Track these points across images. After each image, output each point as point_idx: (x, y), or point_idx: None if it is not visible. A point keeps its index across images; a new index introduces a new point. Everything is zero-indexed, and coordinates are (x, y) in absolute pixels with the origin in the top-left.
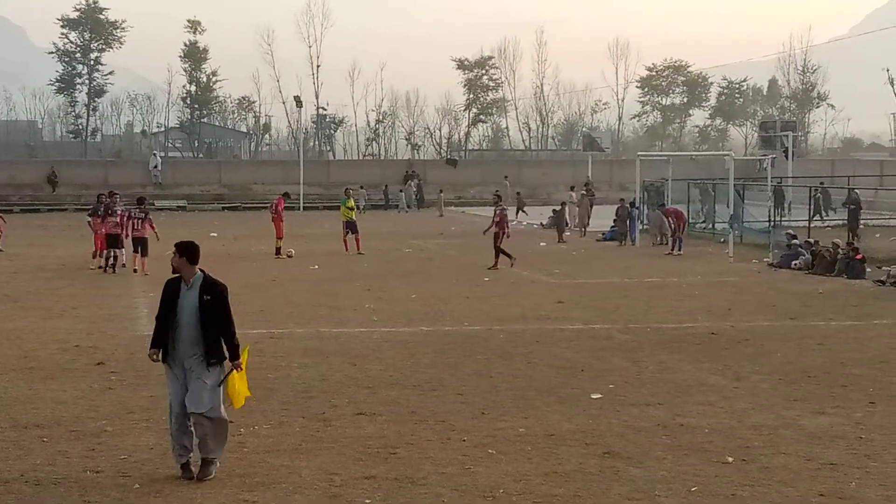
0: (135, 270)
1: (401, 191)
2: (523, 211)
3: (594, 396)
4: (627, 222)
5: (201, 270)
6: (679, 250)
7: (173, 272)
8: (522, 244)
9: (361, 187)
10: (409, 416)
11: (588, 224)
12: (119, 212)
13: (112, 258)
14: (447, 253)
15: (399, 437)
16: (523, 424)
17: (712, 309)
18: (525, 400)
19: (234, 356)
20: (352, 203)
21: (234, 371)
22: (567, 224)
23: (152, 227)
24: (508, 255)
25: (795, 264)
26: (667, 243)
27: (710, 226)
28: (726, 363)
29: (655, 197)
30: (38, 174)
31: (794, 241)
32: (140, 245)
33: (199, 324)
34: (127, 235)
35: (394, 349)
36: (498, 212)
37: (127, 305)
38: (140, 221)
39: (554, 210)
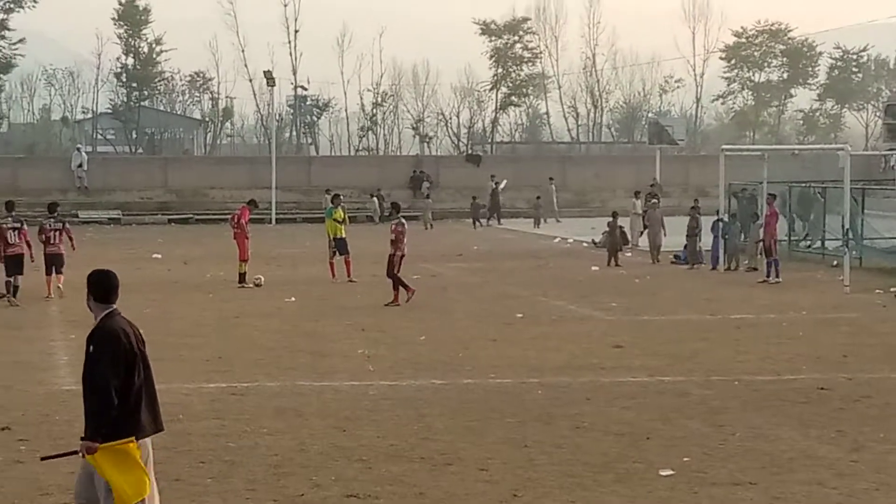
0: (49, 297)
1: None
2: (545, 220)
3: (664, 473)
4: (699, 238)
5: (109, 314)
6: (777, 277)
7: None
8: (567, 269)
9: (373, 195)
10: (416, 500)
11: (661, 244)
12: (15, 227)
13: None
14: (468, 280)
15: None
16: None
17: (822, 356)
18: (571, 478)
19: (86, 433)
20: (341, 214)
21: (87, 454)
22: (629, 242)
23: (70, 238)
24: (405, 286)
25: None
26: (754, 267)
27: (819, 244)
28: (840, 428)
29: (748, 206)
30: None
31: None
32: (55, 263)
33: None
34: (32, 258)
35: (396, 409)
36: (393, 227)
37: (42, 351)
38: (57, 234)
39: (610, 223)
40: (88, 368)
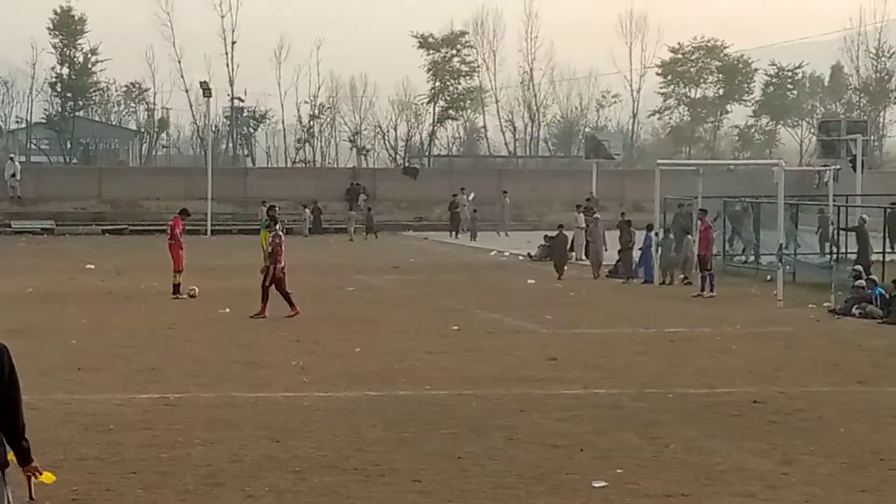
0: None
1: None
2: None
3: (597, 485)
4: (635, 252)
5: None
6: (711, 291)
7: None
8: (504, 282)
9: (306, 206)
10: None
11: (602, 260)
12: None
13: None
14: (404, 293)
15: None
16: None
17: (755, 369)
18: (504, 489)
19: (28, 457)
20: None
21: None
22: (573, 256)
23: None
24: (264, 301)
25: (861, 311)
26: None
27: (753, 259)
28: (773, 441)
29: (683, 221)
30: None
31: (862, 279)
32: None
33: None
34: None
35: (330, 420)
36: (270, 239)
37: None
38: None
39: (547, 236)
40: (15, 387)
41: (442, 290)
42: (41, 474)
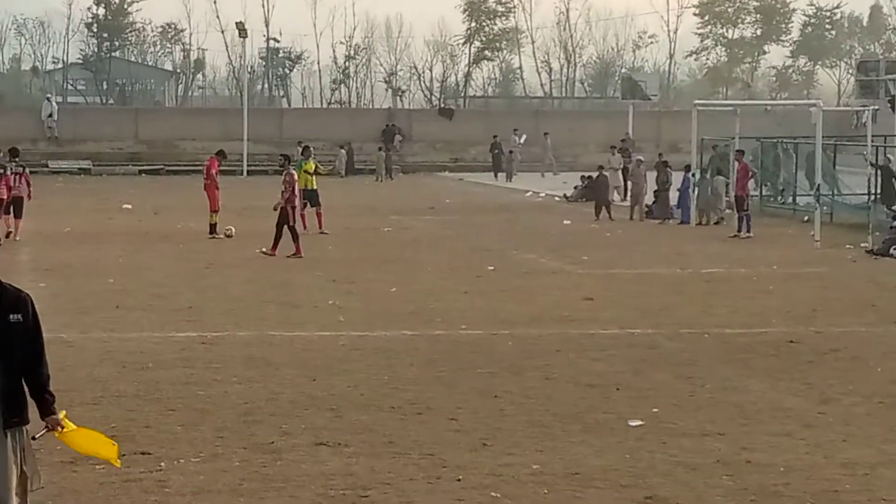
0: (9, 234)
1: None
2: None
3: (633, 424)
4: (671, 192)
5: None
6: (748, 231)
7: None
8: (540, 223)
9: (342, 147)
10: (386, 448)
11: (643, 202)
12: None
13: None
14: (440, 233)
15: (372, 474)
16: (538, 460)
17: (792, 309)
18: (540, 428)
19: (49, 409)
20: (312, 165)
21: (55, 431)
22: (620, 195)
23: (28, 185)
24: (295, 239)
25: None
26: (718, 222)
27: (790, 199)
28: (809, 381)
29: (720, 163)
30: None
31: None
32: (17, 206)
33: (1, 360)
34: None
35: (366, 360)
36: (285, 178)
37: None
38: (18, 177)
39: (584, 177)
40: (40, 338)
41: (477, 230)
42: (63, 429)
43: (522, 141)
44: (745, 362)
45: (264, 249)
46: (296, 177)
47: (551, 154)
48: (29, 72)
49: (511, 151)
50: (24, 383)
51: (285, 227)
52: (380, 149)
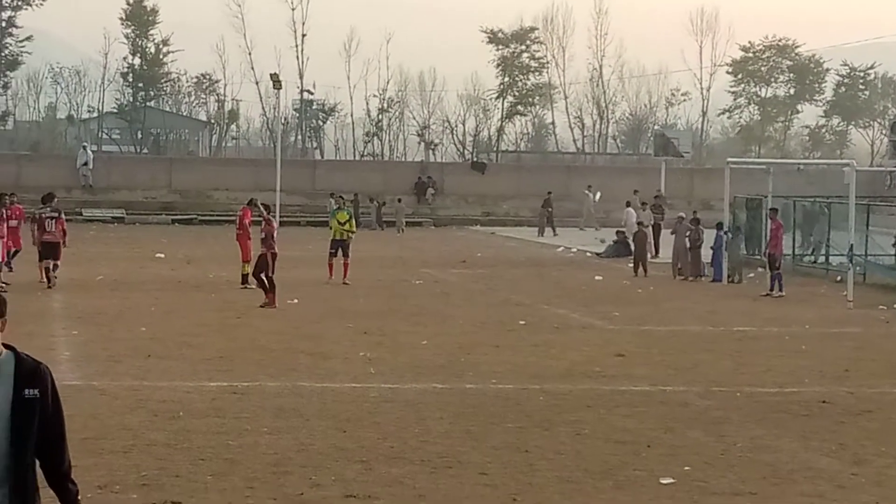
0: (42, 281)
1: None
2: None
3: (664, 481)
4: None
5: (9, 346)
6: (780, 290)
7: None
8: (571, 278)
9: (372, 200)
10: (416, 502)
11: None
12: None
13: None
14: (470, 287)
15: None
16: None
17: (824, 369)
18: (571, 484)
19: (73, 502)
20: (345, 216)
21: None
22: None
23: (63, 232)
24: (266, 288)
25: None
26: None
27: (823, 259)
28: (842, 441)
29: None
30: None
31: None
32: (51, 251)
33: (12, 443)
34: (35, 241)
35: (396, 412)
36: (263, 225)
37: (42, 346)
38: (52, 222)
39: (619, 232)
40: (59, 416)
41: (509, 284)
42: None
43: (598, 198)
44: (777, 422)
45: (263, 303)
46: (274, 225)
47: (593, 208)
48: (64, 120)
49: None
50: (36, 470)
51: (262, 274)
52: (399, 200)
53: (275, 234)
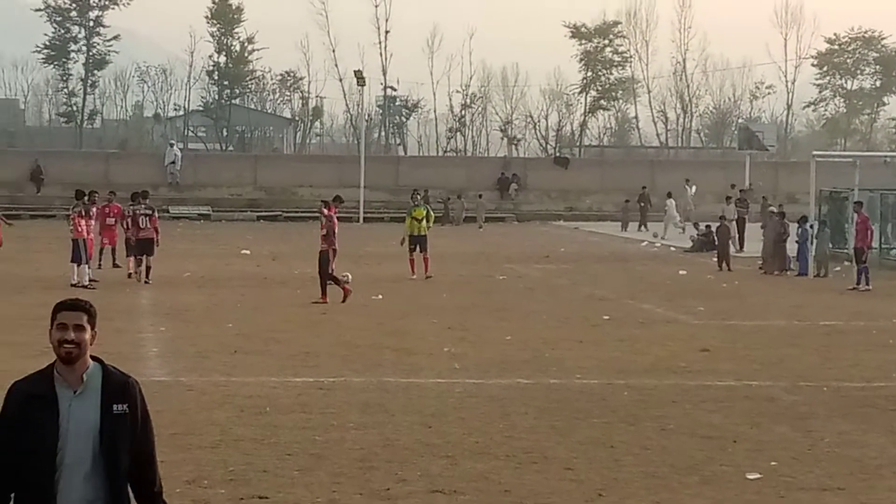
0: (131, 275)
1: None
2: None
3: (751, 477)
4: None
5: (96, 359)
6: (867, 284)
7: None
8: (656, 272)
9: (449, 198)
10: (502, 497)
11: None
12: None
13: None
14: (554, 282)
15: None
16: None
17: None
18: (657, 479)
19: None
20: (422, 213)
21: None
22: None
23: (156, 229)
24: (338, 283)
25: None
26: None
27: None
28: None
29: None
30: (18, 169)
31: None
32: (146, 248)
33: (103, 461)
34: (130, 238)
35: (481, 407)
36: (323, 222)
37: (131, 342)
38: (147, 219)
39: (705, 226)
40: (149, 433)
41: (592, 279)
42: None
43: (693, 192)
44: (865, 416)
45: (317, 300)
46: (335, 221)
47: (691, 202)
48: (151, 118)
49: (627, 201)
50: (129, 491)
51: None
52: (479, 196)
53: (335, 230)
